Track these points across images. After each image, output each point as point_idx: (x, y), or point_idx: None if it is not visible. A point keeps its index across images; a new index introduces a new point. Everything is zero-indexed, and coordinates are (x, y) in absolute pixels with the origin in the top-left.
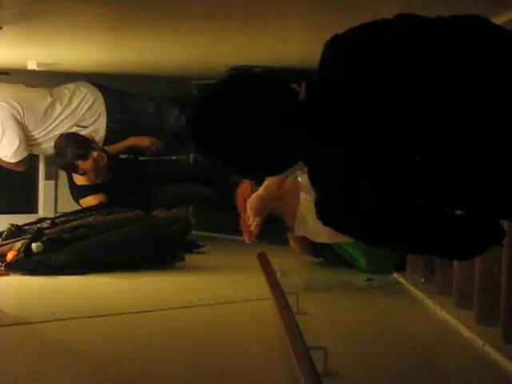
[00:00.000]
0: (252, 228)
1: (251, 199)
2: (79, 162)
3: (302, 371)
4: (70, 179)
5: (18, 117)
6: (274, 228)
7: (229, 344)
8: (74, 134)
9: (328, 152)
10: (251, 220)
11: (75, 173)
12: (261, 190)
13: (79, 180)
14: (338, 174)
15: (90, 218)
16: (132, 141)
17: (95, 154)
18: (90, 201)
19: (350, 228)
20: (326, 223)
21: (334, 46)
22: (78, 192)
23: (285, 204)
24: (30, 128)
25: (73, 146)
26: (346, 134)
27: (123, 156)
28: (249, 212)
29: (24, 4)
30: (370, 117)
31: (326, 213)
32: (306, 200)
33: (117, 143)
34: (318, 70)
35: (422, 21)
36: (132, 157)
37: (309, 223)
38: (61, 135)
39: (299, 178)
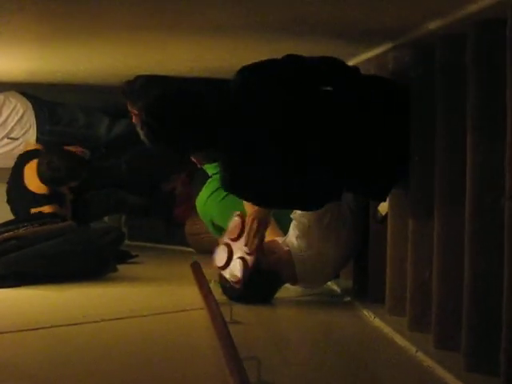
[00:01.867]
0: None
1: (251, 214)
2: (72, 183)
3: (235, 381)
4: (20, 184)
5: None
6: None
7: (161, 355)
8: (71, 154)
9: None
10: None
11: (60, 187)
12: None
13: (37, 188)
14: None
15: (21, 230)
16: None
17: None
18: (44, 210)
19: (249, 196)
20: (232, 192)
21: (241, 75)
22: (33, 200)
23: (274, 257)
24: None
25: (72, 167)
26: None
27: None
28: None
29: None
30: (262, 124)
31: (233, 186)
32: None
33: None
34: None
35: (300, 63)
36: None
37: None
38: (56, 149)
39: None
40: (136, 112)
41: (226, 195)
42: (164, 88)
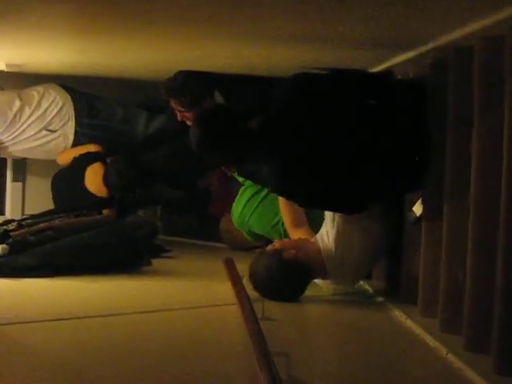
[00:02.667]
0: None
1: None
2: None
3: (265, 377)
4: (79, 184)
5: None
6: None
7: (192, 349)
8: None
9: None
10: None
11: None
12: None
13: (97, 190)
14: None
15: (56, 221)
16: (80, 150)
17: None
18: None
19: (297, 197)
20: (281, 194)
21: (290, 84)
22: (90, 201)
23: (304, 252)
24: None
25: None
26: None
27: None
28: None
29: None
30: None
31: (282, 188)
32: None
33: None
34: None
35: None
36: None
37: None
38: (130, 159)
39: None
40: (180, 109)
41: (261, 201)
42: (215, 104)
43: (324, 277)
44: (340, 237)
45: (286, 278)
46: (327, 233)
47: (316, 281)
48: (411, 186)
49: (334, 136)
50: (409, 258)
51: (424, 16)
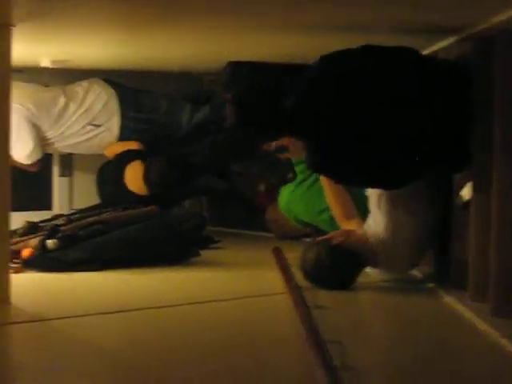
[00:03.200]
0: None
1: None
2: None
3: (319, 365)
4: (120, 182)
5: (33, 119)
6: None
7: (244, 339)
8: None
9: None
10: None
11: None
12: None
13: (137, 188)
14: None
15: (105, 215)
16: (125, 145)
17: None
18: None
19: (335, 176)
20: (322, 173)
21: (325, 63)
22: (131, 199)
23: (352, 240)
24: (44, 129)
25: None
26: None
27: None
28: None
29: (36, 2)
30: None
31: (319, 167)
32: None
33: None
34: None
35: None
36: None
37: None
38: (171, 157)
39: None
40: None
41: (308, 188)
42: (253, 76)
43: (375, 264)
44: (387, 220)
45: (335, 265)
46: (374, 221)
47: (367, 270)
48: (454, 164)
49: (377, 111)
50: (458, 243)
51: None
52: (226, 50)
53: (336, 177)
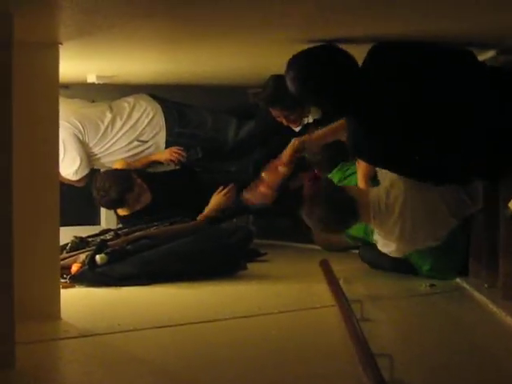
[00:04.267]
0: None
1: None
2: (128, 196)
3: (369, 379)
4: (116, 213)
5: (80, 136)
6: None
7: (294, 352)
8: (111, 171)
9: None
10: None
11: (123, 207)
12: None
13: (121, 212)
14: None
15: (152, 229)
16: (152, 157)
17: (139, 180)
18: None
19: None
20: (356, 154)
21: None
22: (124, 224)
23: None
24: (91, 145)
25: (116, 183)
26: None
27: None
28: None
29: (83, 21)
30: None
31: (357, 150)
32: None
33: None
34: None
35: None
36: (178, 168)
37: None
38: (98, 176)
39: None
40: (285, 114)
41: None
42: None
43: (368, 221)
44: (392, 189)
45: (331, 200)
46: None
47: (374, 237)
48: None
49: (415, 103)
50: (507, 255)
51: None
52: (270, 63)
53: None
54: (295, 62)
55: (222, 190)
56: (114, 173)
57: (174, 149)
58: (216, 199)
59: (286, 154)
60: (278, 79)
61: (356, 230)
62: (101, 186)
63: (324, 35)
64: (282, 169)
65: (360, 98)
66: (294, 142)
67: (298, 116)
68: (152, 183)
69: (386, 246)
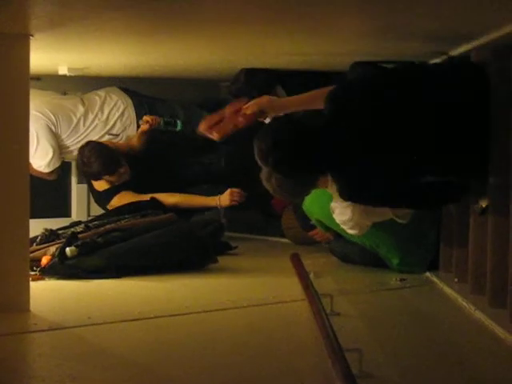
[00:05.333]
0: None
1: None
2: (106, 176)
3: (338, 373)
4: (91, 186)
5: (53, 127)
6: None
7: (263, 346)
8: (105, 147)
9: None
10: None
11: (96, 180)
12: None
13: (99, 186)
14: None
15: (123, 222)
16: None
17: (122, 170)
18: (119, 202)
19: (365, 199)
20: (350, 200)
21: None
22: (101, 198)
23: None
24: (63, 137)
25: (103, 162)
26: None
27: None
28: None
29: (54, 12)
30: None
31: (349, 194)
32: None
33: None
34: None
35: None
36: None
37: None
38: (89, 143)
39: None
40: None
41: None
42: (279, 124)
43: (325, 186)
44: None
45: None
46: None
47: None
48: (475, 173)
49: (389, 129)
50: (477, 249)
51: (483, 7)
52: (242, 57)
53: (371, 203)
54: (260, 140)
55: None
56: (105, 151)
57: (150, 117)
58: (226, 197)
59: (251, 108)
60: (246, 72)
61: (322, 215)
62: (87, 154)
63: (288, 28)
64: (241, 119)
65: (336, 149)
66: (263, 99)
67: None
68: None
69: (342, 214)
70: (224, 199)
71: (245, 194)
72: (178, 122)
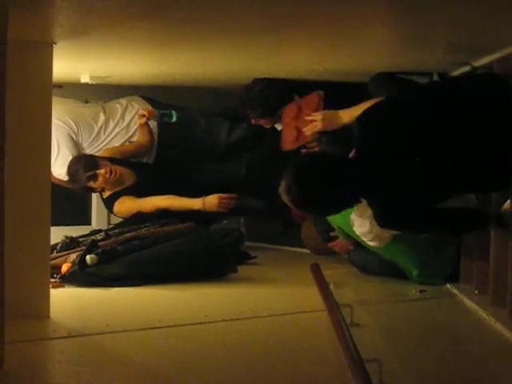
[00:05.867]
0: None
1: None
2: (91, 184)
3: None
4: (101, 194)
5: (74, 136)
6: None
7: (282, 356)
8: (81, 156)
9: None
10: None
11: (94, 192)
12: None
13: (104, 193)
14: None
15: (143, 230)
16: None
17: (103, 171)
18: (119, 208)
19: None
20: (385, 226)
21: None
22: (107, 205)
23: None
24: (84, 145)
25: (82, 170)
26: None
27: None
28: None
29: (78, 21)
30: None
31: (385, 221)
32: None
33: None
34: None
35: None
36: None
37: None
38: (71, 160)
39: None
40: (256, 119)
41: None
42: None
43: None
44: None
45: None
46: None
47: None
48: (498, 185)
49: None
50: (497, 260)
51: (507, 19)
52: (263, 65)
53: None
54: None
55: (224, 195)
56: (81, 159)
57: (145, 110)
58: (213, 201)
59: (316, 127)
60: (262, 81)
61: (343, 223)
62: (69, 171)
63: (308, 37)
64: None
65: (371, 173)
66: (326, 115)
67: (269, 121)
68: (137, 169)
69: (362, 226)
70: (210, 203)
71: (235, 200)
72: (174, 113)
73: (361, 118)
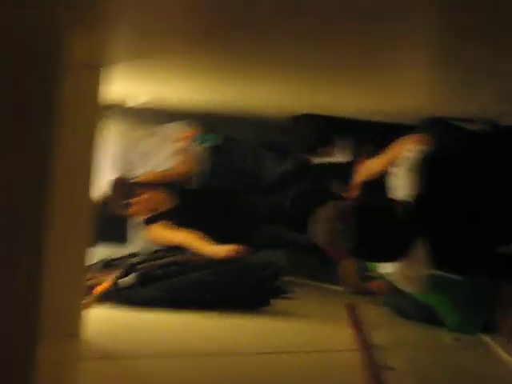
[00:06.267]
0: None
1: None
2: (127, 212)
3: None
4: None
5: (119, 158)
6: None
7: None
8: (118, 181)
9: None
10: None
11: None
12: None
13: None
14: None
15: (181, 256)
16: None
17: (134, 200)
18: (150, 232)
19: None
20: (439, 269)
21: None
22: (140, 227)
23: None
24: (129, 168)
25: (116, 198)
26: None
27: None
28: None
29: (133, 45)
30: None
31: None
32: None
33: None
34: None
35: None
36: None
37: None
38: (109, 185)
39: None
40: (296, 150)
41: None
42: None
43: None
44: None
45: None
46: None
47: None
48: None
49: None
50: None
51: None
52: (314, 100)
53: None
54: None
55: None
56: (116, 187)
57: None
58: (221, 250)
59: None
60: (302, 118)
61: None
62: (106, 196)
63: (362, 72)
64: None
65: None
66: (366, 167)
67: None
68: (179, 194)
69: (385, 266)
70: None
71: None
72: (215, 137)
73: (421, 166)
